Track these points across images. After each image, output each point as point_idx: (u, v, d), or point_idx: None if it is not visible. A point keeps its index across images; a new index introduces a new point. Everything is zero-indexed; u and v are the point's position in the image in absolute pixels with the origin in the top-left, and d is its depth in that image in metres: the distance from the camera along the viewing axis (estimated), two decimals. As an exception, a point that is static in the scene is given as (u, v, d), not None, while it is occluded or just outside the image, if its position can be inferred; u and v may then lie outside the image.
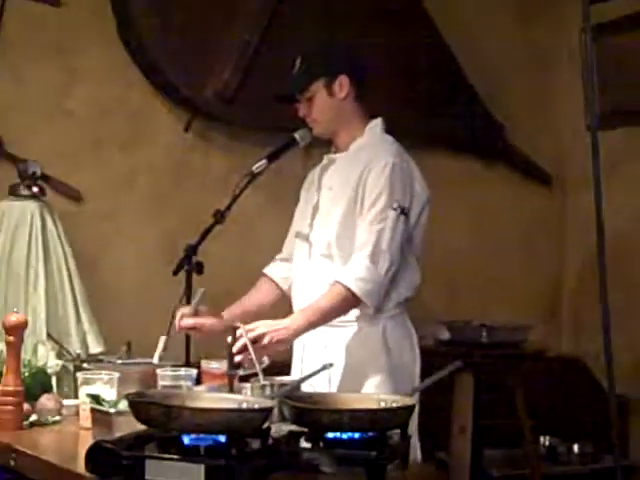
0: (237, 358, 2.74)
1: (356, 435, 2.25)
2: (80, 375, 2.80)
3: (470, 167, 5.20)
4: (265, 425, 2.20)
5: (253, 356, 2.70)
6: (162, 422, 2.10)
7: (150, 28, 4.36)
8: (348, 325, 3.04)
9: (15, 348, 2.72)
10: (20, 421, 2.72)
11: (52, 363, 3.17)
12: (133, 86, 4.44)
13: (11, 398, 2.70)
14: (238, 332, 2.75)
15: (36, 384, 2.92)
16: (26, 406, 2.75)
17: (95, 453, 2.12)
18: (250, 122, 4.55)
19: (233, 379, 2.73)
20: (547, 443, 4.34)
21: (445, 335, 4.83)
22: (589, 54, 3.79)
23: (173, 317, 3.08)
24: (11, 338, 2.71)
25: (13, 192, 3.91)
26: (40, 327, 3.69)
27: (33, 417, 2.77)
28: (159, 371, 2.79)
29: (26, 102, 4.23)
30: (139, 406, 2.17)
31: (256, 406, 2.22)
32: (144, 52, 4.38)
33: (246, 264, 3.91)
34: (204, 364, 2.90)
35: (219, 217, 3.12)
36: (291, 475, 2.17)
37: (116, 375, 2.78)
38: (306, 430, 2.29)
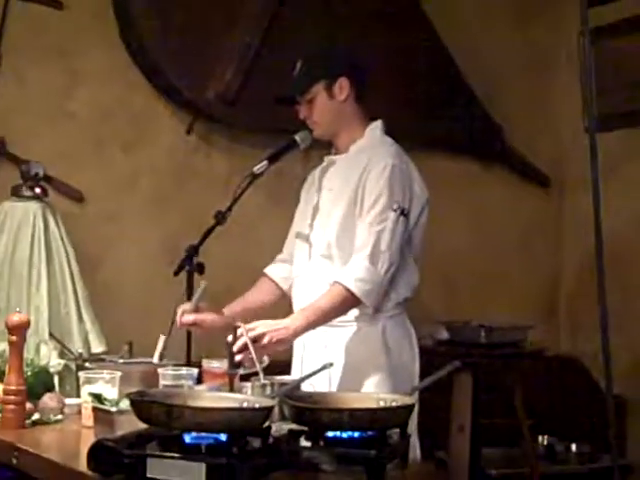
0: (237, 357, 2.75)
1: (356, 434, 2.25)
2: (82, 374, 2.81)
3: (468, 169, 5.19)
4: (266, 424, 2.21)
5: (253, 355, 2.70)
6: (163, 421, 2.11)
7: (152, 30, 4.37)
8: (348, 325, 3.06)
9: (18, 347, 2.73)
10: (23, 420, 2.73)
11: (54, 362, 3.19)
12: (135, 88, 4.45)
13: (14, 397, 2.71)
14: (238, 331, 2.76)
15: (38, 383, 2.93)
16: (28, 405, 2.76)
17: (97, 452, 2.12)
18: (251, 124, 4.56)
19: (234, 378, 2.74)
20: (545, 442, 4.34)
21: (444, 335, 4.84)
22: (587, 57, 3.79)
23: (174, 316, 3.09)
24: (14, 337, 2.72)
25: (16, 193, 3.91)
26: (42, 327, 3.70)
27: (35, 416, 2.78)
28: (160, 370, 2.80)
29: (29, 104, 4.25)
30: (141, 405, 2.17)
31: (257, 405, 2.23)
32: (146, 54, 4.39)
33: (247, 264, 3.91)
34: (205, 363, 2.91)
35: (220, 218, 3.13)
36: (291, 474, 2.18)
37: (118, 374, 2.79)
38: (306, 429, 2.29)
